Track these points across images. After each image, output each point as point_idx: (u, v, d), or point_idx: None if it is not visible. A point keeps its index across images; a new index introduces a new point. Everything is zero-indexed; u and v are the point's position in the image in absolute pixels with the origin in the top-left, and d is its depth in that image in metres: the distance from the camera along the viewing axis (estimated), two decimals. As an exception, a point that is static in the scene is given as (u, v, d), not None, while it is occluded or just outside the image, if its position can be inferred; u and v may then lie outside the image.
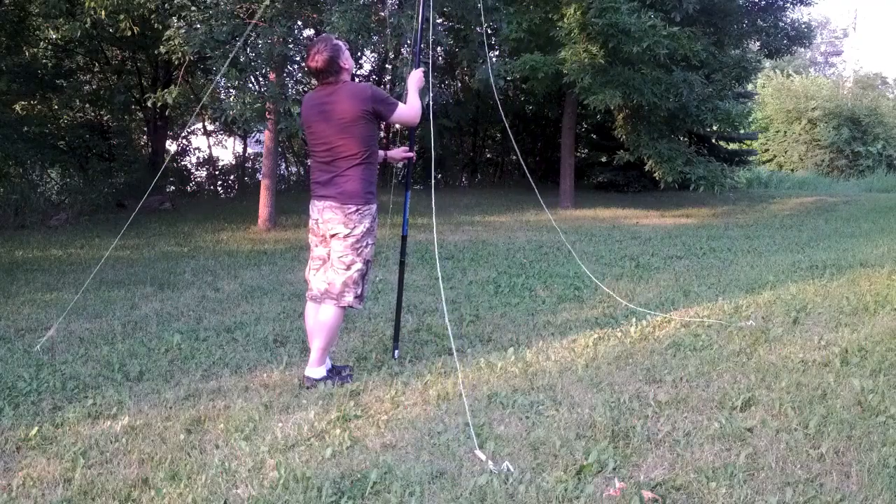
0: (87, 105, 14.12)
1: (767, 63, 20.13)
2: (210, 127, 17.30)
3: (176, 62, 11.08)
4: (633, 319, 4.43)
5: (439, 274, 4.48)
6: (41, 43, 12.55)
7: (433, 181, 12.65)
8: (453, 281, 5.83)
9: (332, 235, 3.37)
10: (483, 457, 2.54)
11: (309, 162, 3.57)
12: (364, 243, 3.38)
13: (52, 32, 10.67)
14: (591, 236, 8.63)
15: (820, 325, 4.19)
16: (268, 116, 8.39)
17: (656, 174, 11.85)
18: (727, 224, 9.89)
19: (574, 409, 2.98)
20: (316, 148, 3.40)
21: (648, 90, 10.70)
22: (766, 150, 24.40)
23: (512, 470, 2.44)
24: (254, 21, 7.08)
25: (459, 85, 18.88)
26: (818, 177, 21.57)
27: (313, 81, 3.85)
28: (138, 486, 2.42)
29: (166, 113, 13.98)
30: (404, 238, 3.85)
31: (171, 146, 16.70)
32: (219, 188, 16.83)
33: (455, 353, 3.41)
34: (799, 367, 3.43)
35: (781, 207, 12.69)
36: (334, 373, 3.47)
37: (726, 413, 2.91)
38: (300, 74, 9.72)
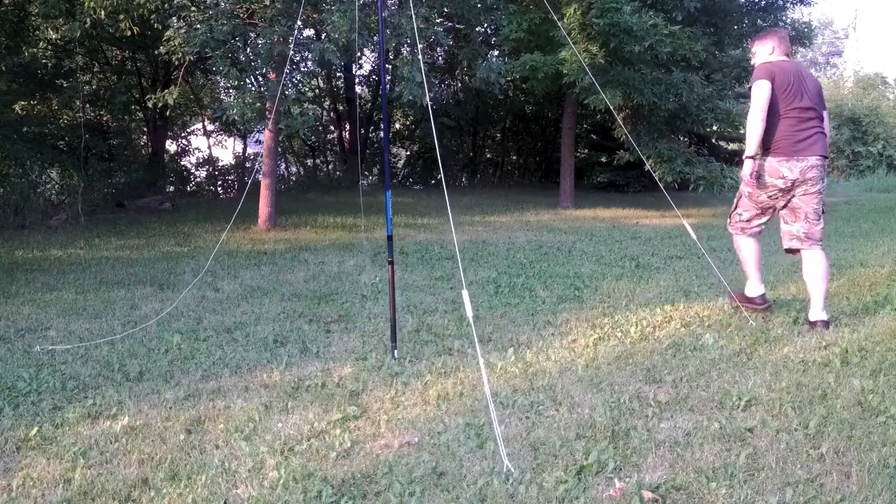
0: (87, 105, 14.13)
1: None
2: (210, 127, 17.32)
3: (176, 62, 11.10)
4: (634, 319, 4.43)
5: (462, 275, 4.48)
6: (41, 43, 12.56)
7: (433, 181, 12.66)
8: (453, 281, 5.83)
9: (812, 189, 3.95)
10: (509, 465, 2.53)
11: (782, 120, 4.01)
12: None
13: (51, 32, 10.67)
14: (592, 236, 8.63)
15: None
16: (268, 116, 8.40)
17: (656, 174, 11.87)
18: (727, 224, 9.88)
19: (574, 409, 2.98)
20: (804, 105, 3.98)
21: (648, 90, 10.71)
22: (766, 150, 24.40)
23: (512, 470, 2.44)
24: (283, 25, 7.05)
25: (459, 85, 18.89)
26: (818, 177, 21.56)
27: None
28: (138, 486, 2.42)
29: (166, 113, 13.99)
30: (389, 238, 3.83)
31: (171, 146, 16.72)
32: (219, 188, 16.85)
33: (478, 347, 3.41)
34: (799, 367, 3.43)
35: (781, 207, 12.68)
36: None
37: (726, 413, 2.91)
38: (299, 75, 9.73)
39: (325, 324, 4.53)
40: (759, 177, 4.00)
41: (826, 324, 3.98)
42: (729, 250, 7.49)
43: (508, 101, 18.44)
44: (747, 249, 4.29)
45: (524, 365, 3.60)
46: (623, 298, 5.09)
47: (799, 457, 2.51)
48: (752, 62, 4.28)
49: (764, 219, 4.20)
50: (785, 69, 3.99)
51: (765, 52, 4.16)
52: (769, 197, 4.05)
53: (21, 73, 11.55)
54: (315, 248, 7.55)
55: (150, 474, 2.49)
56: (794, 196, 4.00)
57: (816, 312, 4.02)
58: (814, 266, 4.05)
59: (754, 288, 4.31)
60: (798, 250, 4.11)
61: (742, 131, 16.00)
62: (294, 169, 19.37)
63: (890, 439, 2.60)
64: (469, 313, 3.10)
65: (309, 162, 19.63)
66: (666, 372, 3.42)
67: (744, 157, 4.06)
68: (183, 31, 7.66)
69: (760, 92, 3.92)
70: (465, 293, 3.18)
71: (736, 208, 4.27)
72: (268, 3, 7.91)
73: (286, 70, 8.31)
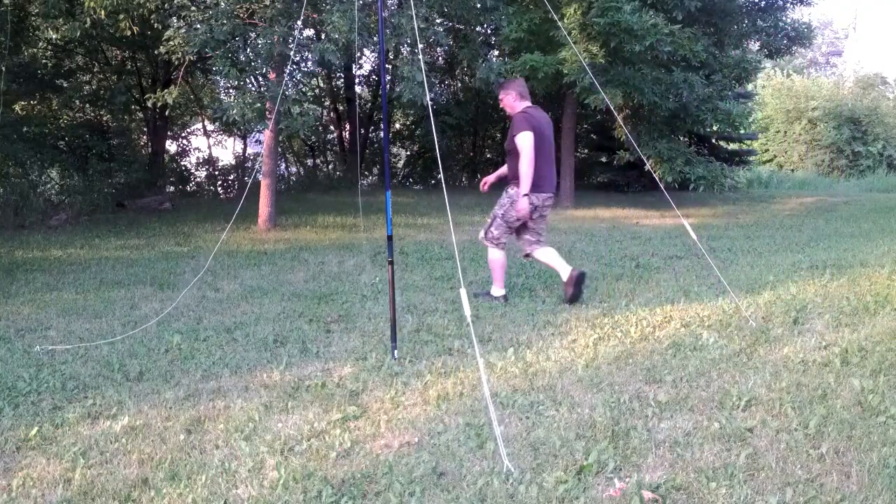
0: (87, 105, 14.11)
1: (767, 63, 20.15)
2: (210, 127, 17.31)
3: (176, 62, 11.10)
4: (634, 319, 4.43)
5: (461, 277, 4.48)
6: (41, 43, 12.55)
7: (433, 181, 12.65)
8: (453, 281, 5.83)
9: (544, 214, 5.01)
10: (509, 465, 2.53)
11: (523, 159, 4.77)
12: None
13: (51, 32, 10.67)
14: (592, 236, 8.63)
15: (820, 325, 4.19)
16: (268, 116, 8.40)
17: (656, 174, 11.87)
18: (727, 224, 9.90)
19: (574, 409, 2.98)
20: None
21: (649, 90, 10.71)
22: (767, 150, 24.41)
23: (512, 470, 2.44)
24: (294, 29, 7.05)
25: (459, 85, 18.88)
26: (818, 177, 21.57)
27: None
28: (138, 486, 2.42)
29: (166, 113, 13.98)
30: (389, 238, 3.83)
31: (171, 146, 16.70)
32: (219, 188, 16.83)
33: (477, 347, 3.41)
34: (799, 367, 3.43)
35: (781, 207, 12.69)
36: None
37: (726, 413, 2.91)
38: (300, 75, 9.72)
39: (325, 324, 4.53)
40: (512, 203, 4.84)
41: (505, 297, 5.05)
42: (729, 250, 7.51)
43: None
44: (501, 260, 5.06)
45: (524, 365, 3.60)
46: (623, 298, 5.09)
47: (799, 457, 2.51)
48: (502, 105, 5.04)
49: (509, 236, 5.06)
50: (538, 119, 4.84)
51: (510, 100, 4.93)
52: (517, 220, 4.89)
53: (21, 73, 11.54)
54: (315, 248, 7.55)
55: (150, 474, 2.50)
56: (531, 219, 4.92)
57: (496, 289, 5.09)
58: (546, 254, 5.08)
59: (500, 290, 5.07)
60: (530, 254, 5.13)
61: (742, 131, 16.07)
62: (294, 169, 19.35)
63: (890, 439, 2.60)
64: (467, 312, 3.08)
65: (309, 162, 19.62)
66: (666, 372, 3.42)
67: (521, 195, 4.77)
68: (183, 31, 7.66)
69: (529, 143, 4.70)
70: (462, 291, 3.17)
71: (491, 228, 5.01)
72: (268, 3, 7.91)
73: (287, 70, 8.31)
